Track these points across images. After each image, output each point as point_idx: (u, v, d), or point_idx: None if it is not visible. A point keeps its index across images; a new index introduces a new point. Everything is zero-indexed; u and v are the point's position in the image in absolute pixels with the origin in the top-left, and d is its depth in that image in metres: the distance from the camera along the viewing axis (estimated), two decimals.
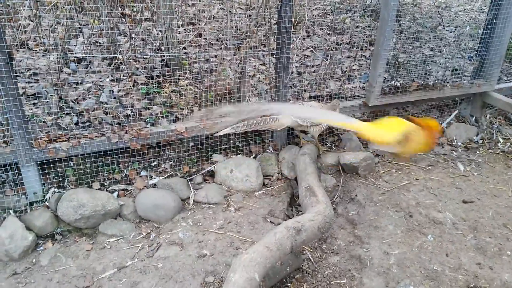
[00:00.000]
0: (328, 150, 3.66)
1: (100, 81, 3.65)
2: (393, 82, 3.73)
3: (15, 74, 2.74)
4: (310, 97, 3.78)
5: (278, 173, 3.40)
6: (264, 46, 4.13)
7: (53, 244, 2.68)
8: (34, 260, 2.55)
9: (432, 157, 3.71)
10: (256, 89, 3.93)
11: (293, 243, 2.13)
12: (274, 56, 3.43)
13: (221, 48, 3.75)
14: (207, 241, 2.73)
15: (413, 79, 3.87)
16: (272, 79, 3.59)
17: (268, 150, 3.58)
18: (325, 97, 3.76)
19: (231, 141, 3.55)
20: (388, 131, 2.71)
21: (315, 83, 3.94)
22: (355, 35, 4.77)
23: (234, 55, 3.63)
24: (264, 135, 3.64)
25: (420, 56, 4.31)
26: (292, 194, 3.25)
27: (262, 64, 4.35)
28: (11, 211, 2.72)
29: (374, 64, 3.52)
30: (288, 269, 2.47)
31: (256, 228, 2.85)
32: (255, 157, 3.49)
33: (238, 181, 3.22)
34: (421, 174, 3.46)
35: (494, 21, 3.74)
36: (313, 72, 4.20)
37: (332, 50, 4.37)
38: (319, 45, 4.71)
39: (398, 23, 4.17)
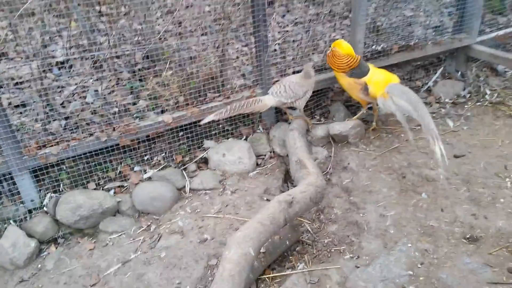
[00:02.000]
0: (318, 122, 3.67)
1: (84, 82, 3.65)
2: (374, 46, 3.72)
3: None
4: (294, 72, 3.77)
5: (270, 152, 3.42)
6: (244, 27, 4.11)
7: (56, 248, 2.73)
8: (39, 266, 2.60)
9: None
10: (240, 71, 3.93)
11: (286, 216, 2.17)
12: (253, 33, 3.41)
13: (201, 34, 3.73)
14: (207, 226, 2.78)
15: (396, 42, 3.86)
16: (254, 59, 3.59)
17: (258, 130, 3.60)
18: None
19: (220, 126, 3.57)
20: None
21: (298, 58, 3.92)
22: (335, 5, 4.73)
23: (214, 39, 3.62)
24: (253, 115, 3.65)
25: (401, 18, 4.28)
26: (286, 171, 3.28)
27: (244, 46, 4.33)
28: (11, 221, 2.76)
29: (353, 31, 3.51)
30: (287, 242, 2.52)
31: (253, 208, 2.90)
32: (246, 139, 3.51)
33: (231, 164, 3.25)
34: (411, 134, 3.47)
35: None
36: (297, 46, 4.18)
37: (313, 22, 4.35)
38: (300, 19, 4.68)
39: None
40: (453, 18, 4.10)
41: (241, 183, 3.15)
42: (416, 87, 4.10)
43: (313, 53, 4.11)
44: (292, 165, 2.84)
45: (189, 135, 3.39)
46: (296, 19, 4.77)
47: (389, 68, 4.02)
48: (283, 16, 4.94)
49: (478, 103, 3.86)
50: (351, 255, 2.47)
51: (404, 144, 3.37)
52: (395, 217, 2.69)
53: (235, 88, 3.55)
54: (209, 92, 3.47)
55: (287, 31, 4.58)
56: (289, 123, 3.50)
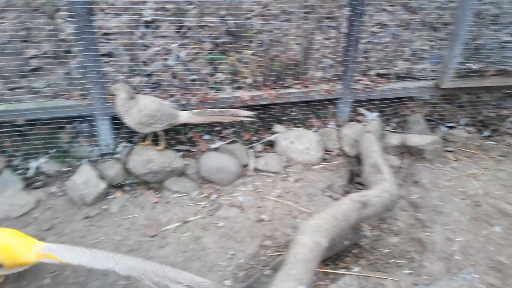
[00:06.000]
0: (393, 131, 3.55)
1: (168, 45, 3.72)
2: (469, 65, 3.52)
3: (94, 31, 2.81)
4: (378, 75, 3.66)
5: (339, 149, 3.35)
6: (331, 20, 4.02)
7: (122, 194, 2.82)
8: (105, 207, 2.71)
9: (504, 147, 3.52)
10: (320, 62, 3.86)
11: (358, 216, 2.12)
12: (347, 28, 3.32)
13: (288, 20, 3.70)
14: (266, 207, 2.77)
15: (488, 65, 3.64)
16: (338, 53, 3.51)
17: (329, 125, 3.53)
18: (391, 76, 3.63)
19: (293, 113, 3.54)
20: None
21: (382, 60, 3.80)
22: (428, 15, 4.53)
23: (302, 26, 3.57)
24: (327, 109, 3.59)
25: (498, 41, 4.03)
26: (352, 172, 3.20)
27: (326, 39, 4.25)
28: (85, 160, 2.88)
29: (451, 44, 3.34)
30: (345, 242, 2.46)
31: (314, 200, 2.86)
32: (316, 131, 3.46)
33: (298, 153, 3.22)
34: (492, 164, 3.30)
35: None
36: (382, 50, 4.05)
37: (403, 28, 4.19)
38: (389, 22, 4.52)
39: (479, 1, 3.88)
40: None
41: (305, 173, 3.11)
42: (501, 116, 3.85)
43: (398, 59, 3.96)
44: (366, 167, 2.77)
45: (262, 116, 3.37)
46: (385, 21, 4.62)
47: (479, 90, 3.79)
48: (371, 16, 4.80)
49: None
50: (411, 271, 2.38)
51: (482, 172, 3.19)
52: (463, 244, 2.56)
53: (314, 79, 3.50)
54: (289, 78, 3.43)
55: (375, 32, 4.44)
56: (363, 124, 3.41)
